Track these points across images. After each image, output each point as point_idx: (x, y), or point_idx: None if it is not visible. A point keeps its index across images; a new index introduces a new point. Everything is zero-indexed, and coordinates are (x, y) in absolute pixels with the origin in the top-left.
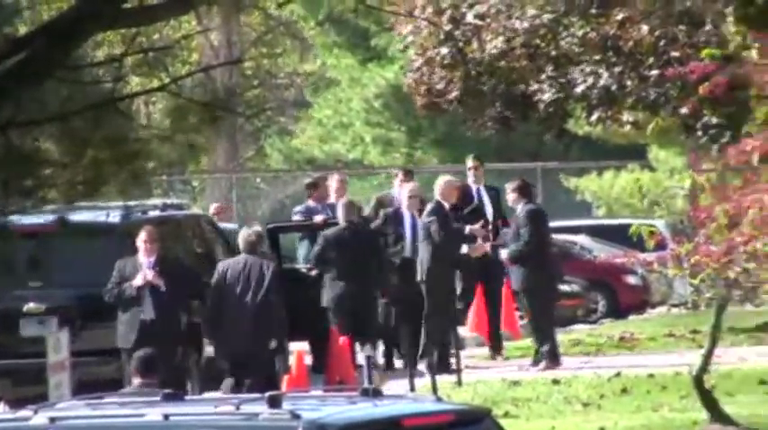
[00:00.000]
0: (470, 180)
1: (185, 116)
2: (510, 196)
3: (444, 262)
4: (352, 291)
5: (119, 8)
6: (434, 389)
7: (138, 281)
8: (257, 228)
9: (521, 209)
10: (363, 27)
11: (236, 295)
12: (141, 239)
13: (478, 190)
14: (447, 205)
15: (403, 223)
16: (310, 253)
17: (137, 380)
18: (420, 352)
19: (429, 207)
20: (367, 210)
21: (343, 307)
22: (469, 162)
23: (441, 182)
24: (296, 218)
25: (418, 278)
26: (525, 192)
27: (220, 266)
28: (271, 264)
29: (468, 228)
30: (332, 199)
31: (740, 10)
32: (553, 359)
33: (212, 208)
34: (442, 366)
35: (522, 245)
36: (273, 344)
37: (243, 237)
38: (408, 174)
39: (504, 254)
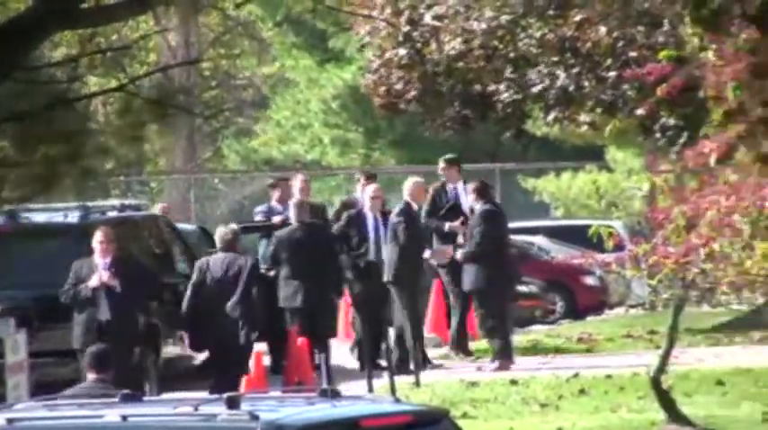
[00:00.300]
0: (446, 180)
1: (137, 113)
2: (469, 197)
3: (411, 262)
4: (305, 291)
5: (77, 8)
6: (393, 390)
7: (93, 282)
8: (233, 226)
9: (478, 209)
10: (321, 28)
11: (218, 290)
12: (97, 240)
13: (455, 188)
14: (415, 206)
15: (366, 224)
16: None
17: (91, 376)
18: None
19: (397, 208)
20: (331, 213)
21: (299, 307)
22: (440, 164)
23: (409, 183)
24: (257, 218)
25: (385, 279)
26: (483, 193)
27: (199, 263)
28: (249, 260)
29: (447, 226)
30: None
31: (694, 12)
32: (506, 357)
33: (158, 208)
34: (402, 367)
35: (474, 245)
36: (254, 335)
37: (220, 235)
38: (371, 177)
39: (458, 254)
